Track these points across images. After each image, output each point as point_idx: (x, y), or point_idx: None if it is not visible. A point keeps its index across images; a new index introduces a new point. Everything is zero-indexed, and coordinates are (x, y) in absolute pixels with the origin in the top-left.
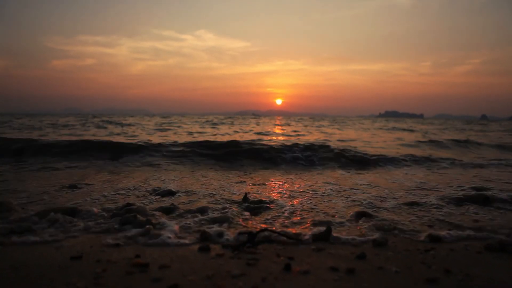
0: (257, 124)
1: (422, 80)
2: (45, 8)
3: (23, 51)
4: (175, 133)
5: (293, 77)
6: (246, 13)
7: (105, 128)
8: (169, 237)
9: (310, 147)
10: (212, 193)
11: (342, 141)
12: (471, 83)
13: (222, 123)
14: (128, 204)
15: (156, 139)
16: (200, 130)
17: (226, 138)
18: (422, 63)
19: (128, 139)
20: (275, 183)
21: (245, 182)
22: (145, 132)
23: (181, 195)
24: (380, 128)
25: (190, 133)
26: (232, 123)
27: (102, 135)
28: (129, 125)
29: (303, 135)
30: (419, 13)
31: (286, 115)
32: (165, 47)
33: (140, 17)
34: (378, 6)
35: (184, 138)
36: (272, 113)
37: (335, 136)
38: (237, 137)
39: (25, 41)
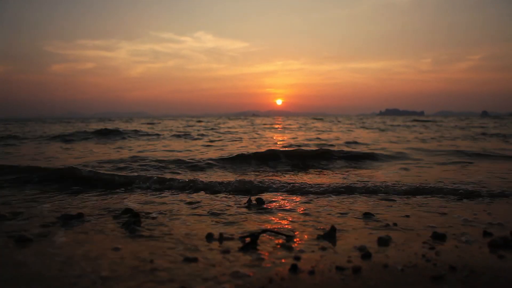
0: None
1: (422, 77)
2: (44, 13)
3: (22, 56)
4: None
5: (293, 77)
6: (245, 14)
7: None
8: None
9: None
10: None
11: None
12: (471, 79)
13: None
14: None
15: None
16: None
17: None
18: (422, 60)
19: None
20: None
21: None
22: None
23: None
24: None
25: None
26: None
27: None
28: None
29: None
30: (417, 10)
31: (286, 115)
32: (164, 49)
33: (139, 20)
34: (376, 4)
35: None
36: (272, 114)
37: None
38: None
39: (24, 45)
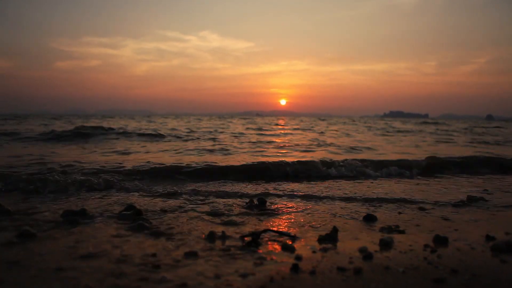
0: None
1: (426, 79)
2: (50, 10)
3: (27, 52)
4: None
5: (297, 77)
6: (250, 14)
7: None
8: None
9: None
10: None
11: None
12: (476, 83)
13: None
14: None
15: None
16: None
17: None
18: (426, 63)
19: None
20: None
21: None
22: None
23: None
24: None
25: None
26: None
27: None
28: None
29: None
30: (422, 12)
31: (290, 115)
32: (169, 48)
33: (145, 18)
34: (380, 5)
35: None
36: (276, 113)
37: None
38: None
39: (29, 42)
